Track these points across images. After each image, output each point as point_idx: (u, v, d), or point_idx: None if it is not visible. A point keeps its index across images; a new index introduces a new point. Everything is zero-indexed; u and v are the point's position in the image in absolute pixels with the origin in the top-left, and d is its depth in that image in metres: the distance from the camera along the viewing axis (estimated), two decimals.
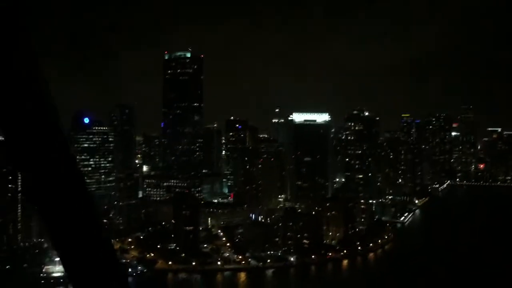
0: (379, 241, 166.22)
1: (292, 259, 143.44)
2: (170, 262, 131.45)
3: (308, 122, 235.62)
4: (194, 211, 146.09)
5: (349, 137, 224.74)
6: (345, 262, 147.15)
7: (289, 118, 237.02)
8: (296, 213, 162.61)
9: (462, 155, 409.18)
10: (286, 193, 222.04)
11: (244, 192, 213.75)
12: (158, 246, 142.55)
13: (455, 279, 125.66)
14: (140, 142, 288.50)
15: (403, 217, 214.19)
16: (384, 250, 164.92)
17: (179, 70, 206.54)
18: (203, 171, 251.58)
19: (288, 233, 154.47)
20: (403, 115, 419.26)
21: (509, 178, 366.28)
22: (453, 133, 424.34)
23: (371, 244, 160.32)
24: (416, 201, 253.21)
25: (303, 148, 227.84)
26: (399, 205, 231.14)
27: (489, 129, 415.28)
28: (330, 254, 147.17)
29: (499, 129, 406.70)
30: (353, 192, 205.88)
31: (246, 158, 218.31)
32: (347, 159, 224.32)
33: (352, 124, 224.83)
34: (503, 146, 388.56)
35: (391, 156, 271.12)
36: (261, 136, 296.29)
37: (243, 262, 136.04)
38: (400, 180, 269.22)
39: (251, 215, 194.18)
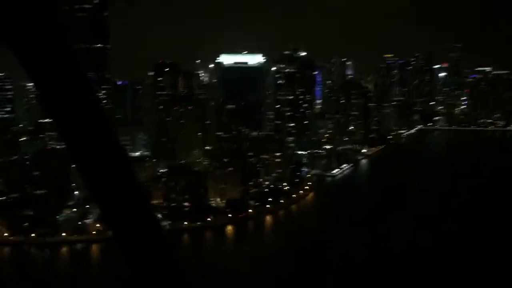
0: (282, 201, 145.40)
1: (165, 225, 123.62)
2: (6, 234, 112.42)
3: (238, 65, 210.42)
4: (51, 171, 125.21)
5: (279, 81, 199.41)
6: (229, 228, 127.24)
7: (217, 61, 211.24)
8: (183, 170, 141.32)
9: (447, 97, 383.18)
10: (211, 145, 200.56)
11: (158, 144, 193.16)
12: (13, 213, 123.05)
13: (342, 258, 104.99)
14: None
15: (337, 170, 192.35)
16: (289, 211, 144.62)
17: (76, 6, 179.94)
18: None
19: (171, 195, 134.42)
20: (385, 55, 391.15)
21: (490, 121, 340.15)
22: (441, 74, 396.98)
23: (268, 206, 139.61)
24: (364, 150, 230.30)
25: (231, 94, 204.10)
26: (340, 155, 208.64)
27: (478, 68, 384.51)
28: (210, 219, 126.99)
29: (488, 69, 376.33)
30: (279, 143, 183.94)
31: (161, 107, 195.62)
32: (277, 106, 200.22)
33: (283, 66, 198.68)
34: (485, 87, 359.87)
35: (342, 101, 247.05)
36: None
37: (94, 232, 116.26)
38: (352, 127, 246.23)
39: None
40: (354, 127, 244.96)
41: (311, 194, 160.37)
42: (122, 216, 3.06)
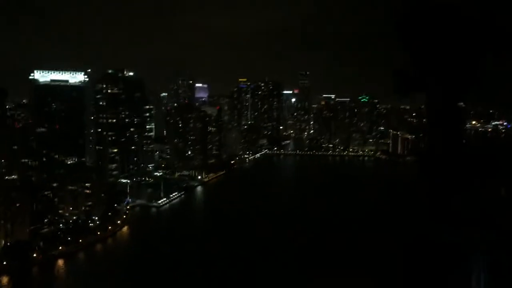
0: (81, 240, 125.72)
1: None
2: None
3: (56, 83, 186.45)
4: None
5: (100, 103, 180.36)
6: (3, 279, 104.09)
7: (30, 77, 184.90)
8: None
9: (296, 122, 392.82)
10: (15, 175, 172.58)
11: None
12: None
13: None
14: None
15: (165, 199, 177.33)
16: (90, 251, 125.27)
17: None
18: None
19: None
20: (240, 79, 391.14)
21: (331, 145, 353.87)
22: (293, 100, 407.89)
23: (61, 247, 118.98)
24: (200, 177, 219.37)
25: (45, 116, 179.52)
26: (171, 183, 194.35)
27: (324, 95, 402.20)
28: None
29: (333, 96, 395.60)
30: (96, 171, 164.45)
31: None
32: (99, 130, 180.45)
33: (105, 86, 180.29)
34: (327, 113, 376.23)
35: (180, 125, 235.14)
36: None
37: None
38: (189, 152, 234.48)
39: None
40: (193, 152, 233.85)
41: (125, 229, 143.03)
42: None
